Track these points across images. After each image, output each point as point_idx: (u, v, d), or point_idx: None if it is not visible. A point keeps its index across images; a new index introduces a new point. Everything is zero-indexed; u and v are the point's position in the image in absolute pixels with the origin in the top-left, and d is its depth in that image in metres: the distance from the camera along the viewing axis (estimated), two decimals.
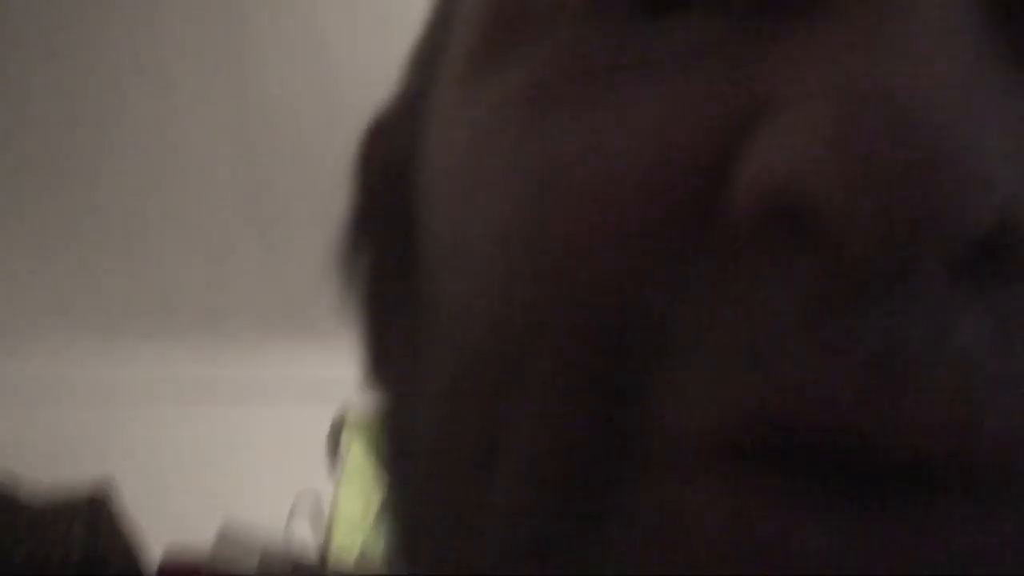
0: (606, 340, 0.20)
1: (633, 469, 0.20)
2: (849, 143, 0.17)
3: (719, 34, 0.22)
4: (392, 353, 0.29)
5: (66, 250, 2.26)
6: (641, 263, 0.20)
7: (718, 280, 0.19)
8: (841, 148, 0.17)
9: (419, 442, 0.25)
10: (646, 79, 0.22)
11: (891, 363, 0.18)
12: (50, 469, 1.72)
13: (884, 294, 0.18)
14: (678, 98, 0.21)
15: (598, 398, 0.20)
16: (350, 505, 2.01)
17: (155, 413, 2.54)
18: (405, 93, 0.31)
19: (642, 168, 0.21)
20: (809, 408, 0.18)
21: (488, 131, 0.24)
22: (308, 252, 2.26)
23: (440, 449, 0.24)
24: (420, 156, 0.28)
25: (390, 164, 0.30)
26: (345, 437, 2.09)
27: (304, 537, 2.03)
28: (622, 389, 0.20)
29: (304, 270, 2.24)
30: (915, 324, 0.18)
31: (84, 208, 2.16)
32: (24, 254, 2.27)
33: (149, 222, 2.20)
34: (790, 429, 0.18)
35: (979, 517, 0.19)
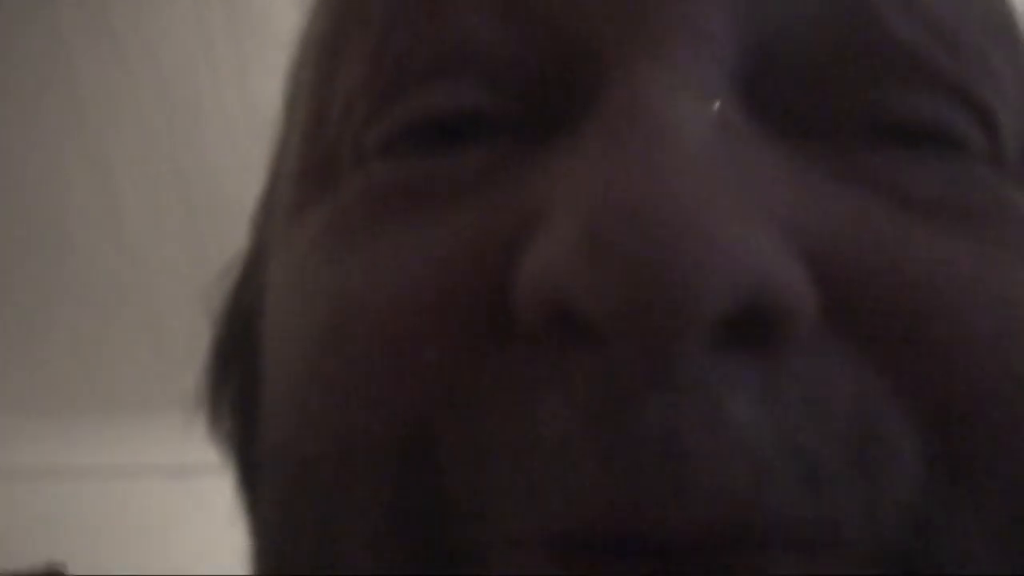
0: (407, 460, 0.21)
1: (460, 564, 0.21)
2: (592, 249, 0.18)
3: (493, 159, 0.23)
4: (248, 472, 0.32)
5: (12, 332, 2.24)
6: (430, 381, 0.21)
7: (506, 391, 0.20)
8: (585, 253, 0.19)
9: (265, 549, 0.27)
10: (428, 208, 0.23)
11: (669, 449, 0.19)
12: (1, 551, 1.69)
13: (650, 383, 0.19)
14: (457, 223, 0.23)
15: (411, 512, 0.21)
16: None
17: (105, 493, 2.51)
18: (251, 244, 0.34)
19: (423, 293, 0.22)
20: (599, 515, 0.19)
21: (298, 268, 0.26)
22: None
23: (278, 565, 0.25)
24: (262, 299, 0.30)
25: (240, 309, 0.33)
26: None
27: None
28: (436, 506, 0.21)
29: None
30: (687, 406, 0.19)
31: (29, 289, 2.14)
32: None
33: (96, 304, 2.19)
34: (589, 534, 0.19)
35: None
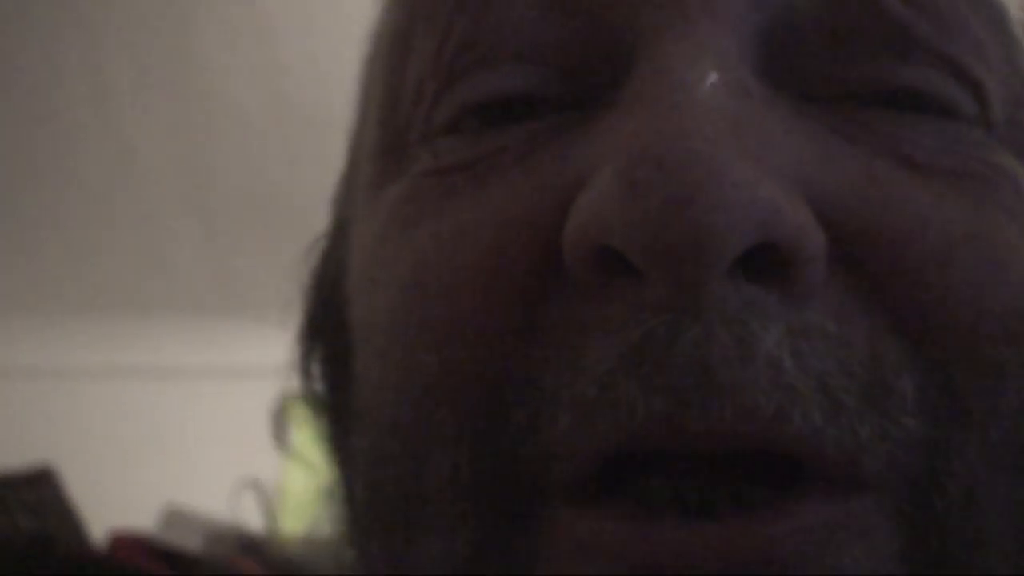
0: (487, 393, 0.24)
1: (533, 501, 0.24)
2: (627, 192, 0.22)
3: (541, 131, 0.27)
4: (337, 424, 0.35)
5: (6, 236, 2.23)
6: (496, 326, 0.24)
7: (560, 329, 0.24)
8: (621, 196, 0.22)
9: (357, 479, 0.30)
10: (487, 176, 0.27)
11: (702, 369, 0.21)
12: None
13: (682, 310, 0.22)
14: (513, 187, 0.26)
15: (491, 438, 0.24)
16: (296, 484, 2.01)
17: (97, 395, 2.51)
18: (334, 217, 0.38)
19: (488, 249, 0.25)
20: (641, 429, 0.22)
21: (378, 238, 0.29)
22: (249, 239, 2.26)
23: (371, 497, 0.28)
24: (346, 267, 0.34)
25: (326, 277, 0.37)
26: (290, 417, 2.08)
27: (251, 517, 2.02)
28: (510, 431, 0.24)
29: (245, 256, 2.22)
30: (716, 332, 0.21)
31: (18, 188, 2.12)
32: None
33: (91, 210, 2.17)
34: (633, 447, 0.22)
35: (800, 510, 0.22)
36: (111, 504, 1.82)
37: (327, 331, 0.36)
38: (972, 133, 0.27)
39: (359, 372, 0.30)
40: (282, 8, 1.85)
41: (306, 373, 0.38)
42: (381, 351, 0.27)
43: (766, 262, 0.22)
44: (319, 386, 0.37)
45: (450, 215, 0.27)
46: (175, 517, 1.66)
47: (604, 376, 0.22)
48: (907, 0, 0.26)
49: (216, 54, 1.92)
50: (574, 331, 0.23)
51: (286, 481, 2.06)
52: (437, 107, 0.29)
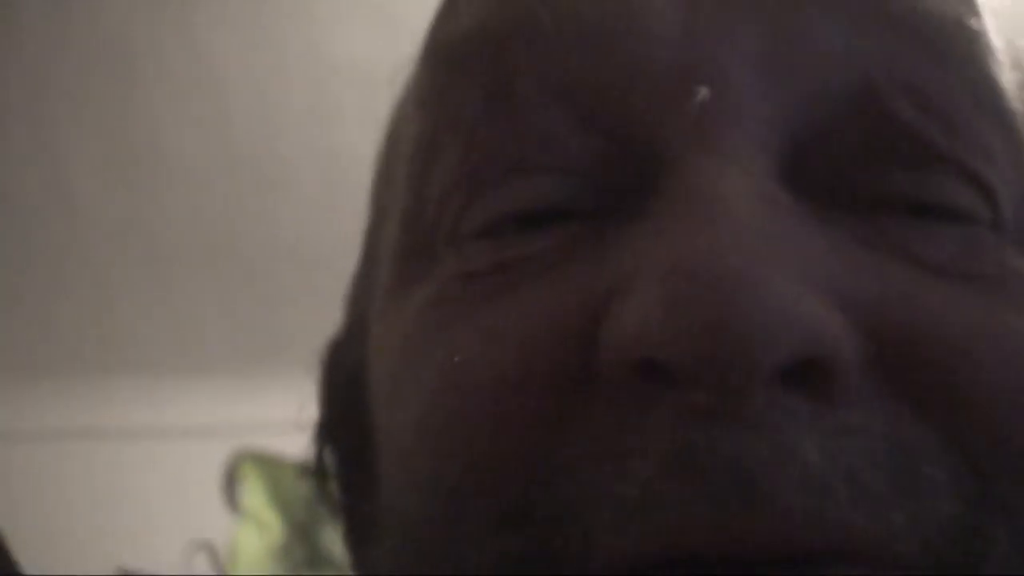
0: (516, 490, 0.25)
1: None
2: (672, 309, 0.22)
3: (570, 241, 0.27)
4: (361, 526, 0.34)
5: None
6: (529, 437, 0.25)
7: (597, 437, 0.24)
8: (666, 313, 0.23)
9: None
10: (518, 284, 0.27)
11: (743, 476, 0.22)
12: None
13: (724, 419, 0.23)
14: (544, 296, 0.26)
15: (518, 534, 0.24)
16: (248, 545, 1.98)
17: (47, 456, 2.47)
18: (349, 317, 0.38)
19: (518, 359, 0.26)
20: (685, 536, 0.23)
21: (406, 340, 0.29)
22: (200, 295, 2.22)
23: None
24: (366, 366, 0.33)
25: (344, 376, 0.36)
26: (241, 476, 2.05)
27: None
28: (537, 524, 0.24)
29: (196, 312, 2.20)
30: (755, 439, 0.22)
31: None
32: None
33: (38, 269, 2.15)
34: (677, 554, 0.23)
35: None
36: (62, 567, 1.78)
37: (346, 431, 0.36)
38: (984, 236, 0.27)
39: (384, 474, 0.30)
40: (229, 61, 1.84)
41: (321, 473, 0.38)
42: (408, 453, 0.28)
43: (804, 371, 0.23)
44: (337, 487, 0.37)
45: (481, 320, 0.27)
46: None
47: (647, 479, 0.23)
48: (921, 109, 0.27)
49: (163, 107, 1.91)
50: (609, 433, 0.24)
51: (238, 542, 2.03)
52: (464, 214, 0.29)
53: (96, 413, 2.48)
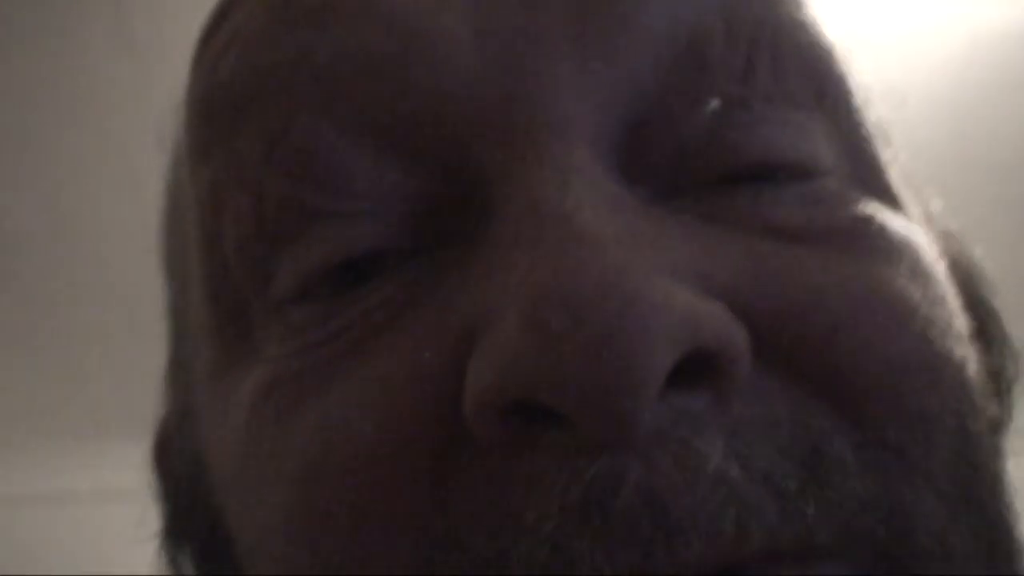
0: (412, 564, 0.22)
1: None
2: (538, 339, 0.20)
3: (407, 287, 0.24)
4: None
5: None
6: (413, 502, 0.22)
7: (482, 501, 0.22)
8: (533, 345, 0.20)
9: None
10: (365, 342, 0.24)
11: (655, 507, 0.20)
12: None
13: (621, 446, 0.20)
14: (397, 351, 0.23)
15: None
16: None
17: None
18: (172, 406, 0.34)
19: (380, 432, 0.23)
20: None
21: (246, 434, 0.26)
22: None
23: None
24: (204, 456, 0.30)
25: (181, 469, 0.32)
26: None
27: None
28: None
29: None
30: (660, 458, 0.20)
31: None
32: None
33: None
34: None
35: None
36: None
37: (197, 532, 0.32)
38: (831, 185, 0.26)
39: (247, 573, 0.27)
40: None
41: None
42: (282, 556, 0.25)
43: (692, 371, 0.21)
44: None
45: (329, 398, 0.24)
46: None
47: (553, 535, 0.21)
48: (732, 43, 0.26)
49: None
50: (497, 493, 0.22)
51: None
52: (273, 275, 0.26)
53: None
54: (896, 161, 0.30)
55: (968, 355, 0.26)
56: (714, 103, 0.25)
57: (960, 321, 0.26)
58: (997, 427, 0.28)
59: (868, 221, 0.26)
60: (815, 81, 0.27)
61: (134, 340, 2.20)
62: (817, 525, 0.21)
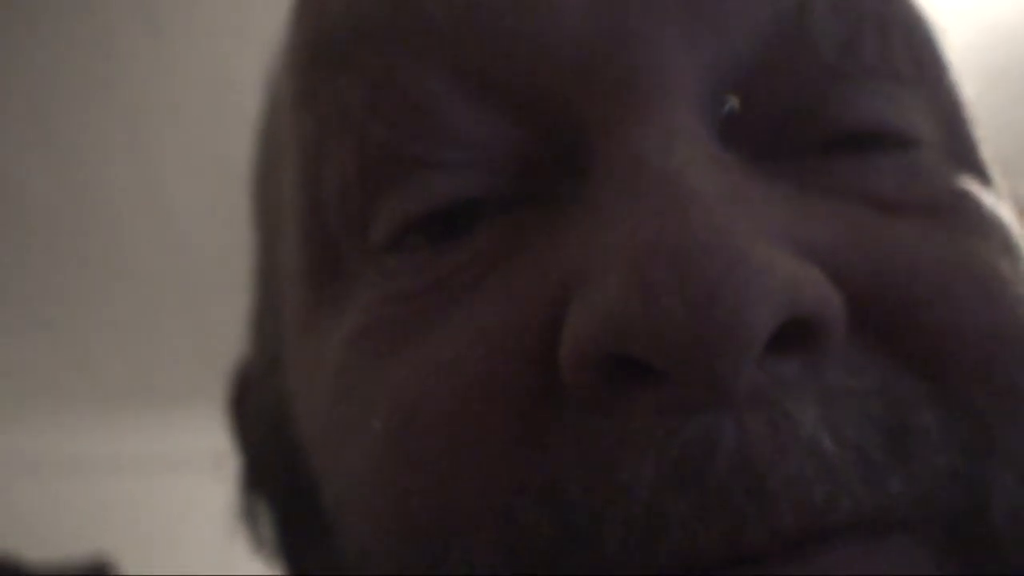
0: (502, 518, 0.22)
1: None
2: (644, 294, 0.20)
3: (503, 239, 0.25)
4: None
5: (58, 325, 2.25)
6: (506, 451, 0.22)
7: (576, 456, 0.22)
8: (639, 300, 0.20)
9: None
10: (457, 297, 0.24)
11: (749, 470, 0.20)
12: (43, 543, 1.70)
13: (718, 407, 0.20)
14: (491, 305, 0.24)
15: (516, 558, 0.22)
16: None
17: (154, 485, 2.52)
18: (258, 350, 0.34)
19: (477, 382, 0.23)
20: (695, 549, 0.20)
21: (339, 379, 0.26)
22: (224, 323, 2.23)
23: None
24: (290, 405, 0.30)
25: (264, 415, 0.32)
26: None
27: None
28: (539, 546, 0.22)
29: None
30: (754, 422, 0.21)
31: (77, 285, 2.15)
32: None
33: (143, 296, 2.19)
34: (690, 564, 0.21)
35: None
36: None
37: (278, 476, 0.32)
38: (930, 158, 0.26)
39: (342, 527, 0.27)
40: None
41: (255, 528, 0.34)
42: (370, 502, 0.25)
43: (790, 334, 0.21)
44: (275, 535, 0.33)
45: (425, 345, 0.24)
46: None
47: (648, 497, 0.21)
48: (840, 16, 0.26)
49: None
50: (592, 444, 0.21)
51: None
52: (371, 222, 0.26)
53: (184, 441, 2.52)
54: (985, 140, 0.29)
55: None
56: (816, 75, 0.25)
57: None
58: None
59: (964, 196, 0.26)
60: (917, 55, 0.27)
61: (144, 310, 2.24)
62: (898, 497, 0.21)
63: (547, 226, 0.24)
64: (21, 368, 2.37)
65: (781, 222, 0.23)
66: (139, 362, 2.39)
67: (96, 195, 1.98)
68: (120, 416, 2.53)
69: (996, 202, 0.27)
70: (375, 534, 0.25)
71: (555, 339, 0.22)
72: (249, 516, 0.34)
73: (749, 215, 0.22)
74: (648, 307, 0.20)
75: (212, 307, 2.22)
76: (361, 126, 0.26)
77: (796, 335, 0.21)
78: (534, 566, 0.22)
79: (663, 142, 0.23)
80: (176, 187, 1.98)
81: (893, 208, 0.25)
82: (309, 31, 0.28)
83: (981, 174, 0.28)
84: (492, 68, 0.25)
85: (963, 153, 0.28)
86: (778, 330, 0.20)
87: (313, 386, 0.28)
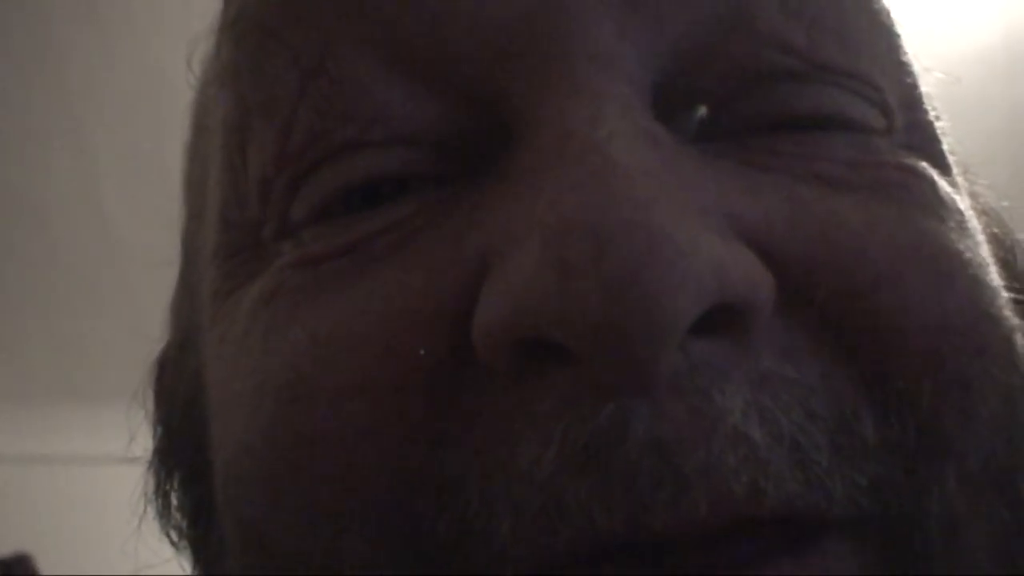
0: (400, 509, 0.21)
1: None
2: (560, 271, 0.19)
3: (424, 211, 0.24)
4: (204, 562, 0.30)
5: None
6: (406, 433, 0.21)
7: (482, 433, 0.21)
8: (553, 277, 0.19)
9: None
10: (375, 260, 0.23)
11: (662, 457, 0.19)
12: None
13: (634, 393, 0.19)
14: (404, 274, 0.23)
15: (410, 556, 0.21)
16: None
17: (78, 481, 2.48)
18: (175, 329, 0.33)
19: (383, 348, 0.22)
20: (596, 535, 0.19)
21: (238, 345, 0.25)
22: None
23: None
24: (201, 381, 0.29)
25: (179, 395, 0.31)
26: None
27: None
28: (434, 543, 0.21)
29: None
30: (673, 408, 0.19)
31: (7, 279, 2.12)
32: None
33: (74, 293, 2.17)
34: (589, 550, 0.20)
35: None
36: None
37: (186, 462, 0.31)
38: (879, 143, 0.25)
39: (229, 501, 0.25)
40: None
41: (164, 506, 0.32)
42: (259, 476, 0.23)
43: (715, 316, 0.20)
44: (180, 519, 0.32)
45: (327, 310, 0.23)
46: None
47: (547, 481, 0.19)
48: (790, 16, 0.25)
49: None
50: (495, 428, 0.20)
51: None
52: (293, 203, 0.25)
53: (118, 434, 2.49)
54: (945, 135, 0.28)
55: (1018, 327, 0.24)
56: (764, 65, 0.24)
57: (1004, 293, 0.24)
58: None
59: (919, 173, 0.25)
60: (863, 42, 0.26)
61: (76, 303, 2.21)
62: (833, 498, 0.20)
63: (472, 197, 0.23)
64: None
65: (715, 197, 0.22)
66: (65, 357, 2.36)
67: (29, 187, 1.95)
68: (43, 412, 2.49)
69: (954, 190, 0.26)
70: (265, 516, 0.23)
71: (469, 311, 0.21)
72: (159, 492, 0.32)
73: (678, 190, 0.20)
74: (562, 287, 0.19)
75: (142, 305, 2.20)
76: (288, 110, 0.25)
77: (723, 318, 0.20)
78: (431, 561, 0.21)
79: (592, 113, 0.22)
80: (110, 182, 1.96)
81: (841, 186, 0.24)
82: (235, 8, 0.27)
83: (940, 163, 0.27)
84: (422, 46, 0.24)
85: (921, 142, 0.27)
86: (704, 316, 0.19)
87: (219, 355, 0.27)
